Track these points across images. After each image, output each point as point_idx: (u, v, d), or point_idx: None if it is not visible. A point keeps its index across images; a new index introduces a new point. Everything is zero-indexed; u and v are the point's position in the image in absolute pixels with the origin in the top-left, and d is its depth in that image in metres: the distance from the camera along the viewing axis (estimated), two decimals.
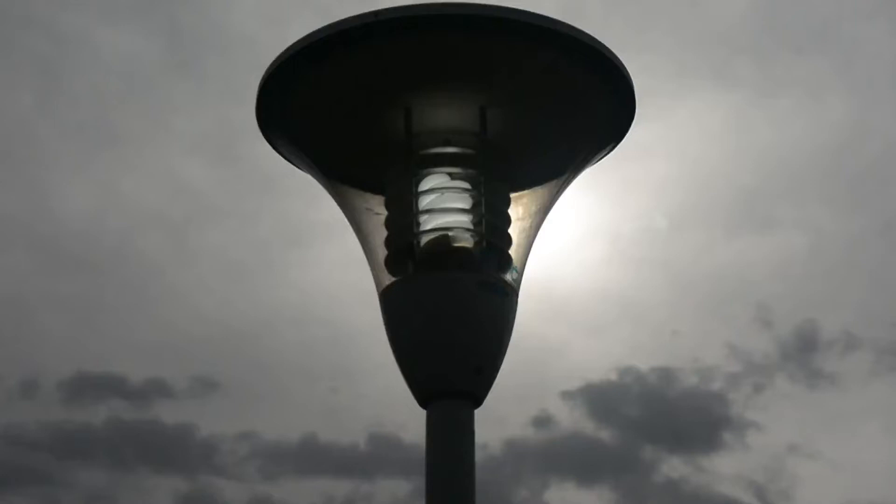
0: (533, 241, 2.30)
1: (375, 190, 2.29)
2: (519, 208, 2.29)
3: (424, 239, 2.19)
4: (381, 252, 2.24)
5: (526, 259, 2.27)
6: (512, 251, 2.23)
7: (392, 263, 2.22)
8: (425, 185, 2.21)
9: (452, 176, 2.22)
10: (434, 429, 2.16)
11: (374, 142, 2.24)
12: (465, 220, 2.20)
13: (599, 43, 2.18)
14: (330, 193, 2.34)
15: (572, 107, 2.24)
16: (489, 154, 2.21)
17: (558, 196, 2.34)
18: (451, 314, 2.17)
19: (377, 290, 2.24)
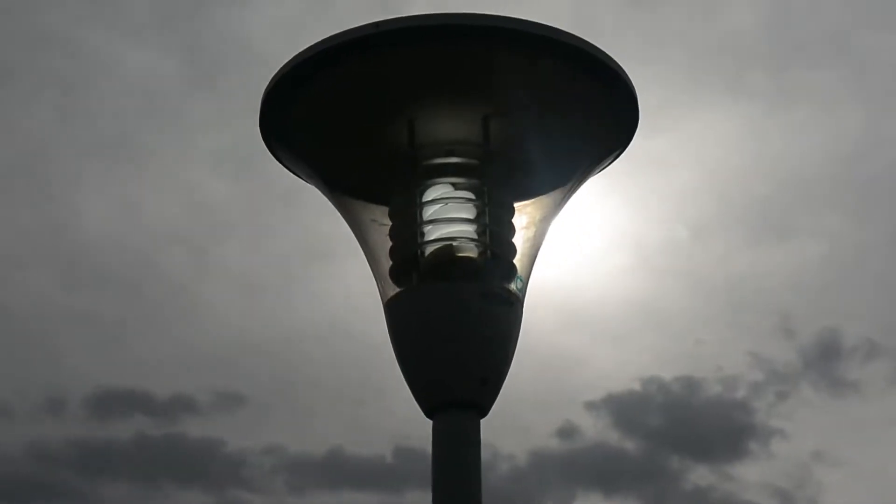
0: (538, 251, 2.29)
1: (380, 201, 2.29)
2: (524, 217, 2.28)
3: (428, 249, 2.19)
4: (386, 263, 2.24)
5: (531, 269, 2.27)
6: (517, 261, 2.23)
7: (396, 274, 2.22)
8: (429, 195, 2.21)
9: (456, 186, 2.22)
10: (439, 440, 2.16)
11: (377, 153, 2.25)
12: (469, 230, 2.19)
13: (601, 52, 2.18)
14: (334, 205, 2.35)
15: (575, 116, 2.23)
16: (493, 164, 2.21)
17: (563, 205, 2.33)
18: (455, 324, 2.16)
19: (382, 302, 2.24)
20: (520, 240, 2.25)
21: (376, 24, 2.08)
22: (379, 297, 2.27)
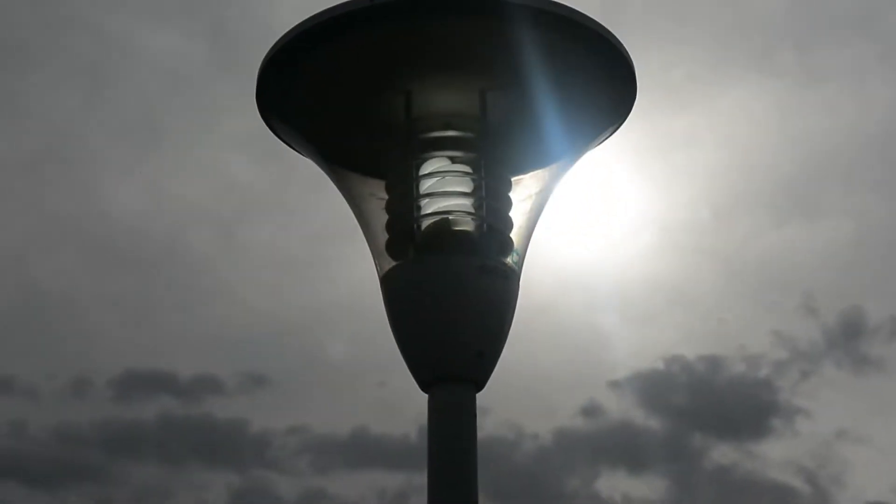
0: (535, 225, 2.28)
1: (377, 175, 2.29)
2: (521, 191, 2.28)
3: (425, 223, 2.18)
4: (382, 237, 2.23)
5: (528, 242, 2.26)
6: (513, 234, 2.22)
7: (393, 248, 2.21)
8: (426, 168, 2.20)
9: (453, 160, 2.21)
10: (436, 413, 2.15)
11: (374, 126, 2.24)
12: (465, 203, 2.19)
13: (599, 25, 2.16)
14: (331, 179, 2.34)
15: (573, 89, 2.22)
16: (490, 138, 2.21)
17: (561, 178, 2.32)
18: (451, 298, 2.16)
19: (378, 276, 2.24)
20: (517, 214, 2.24)
21: None
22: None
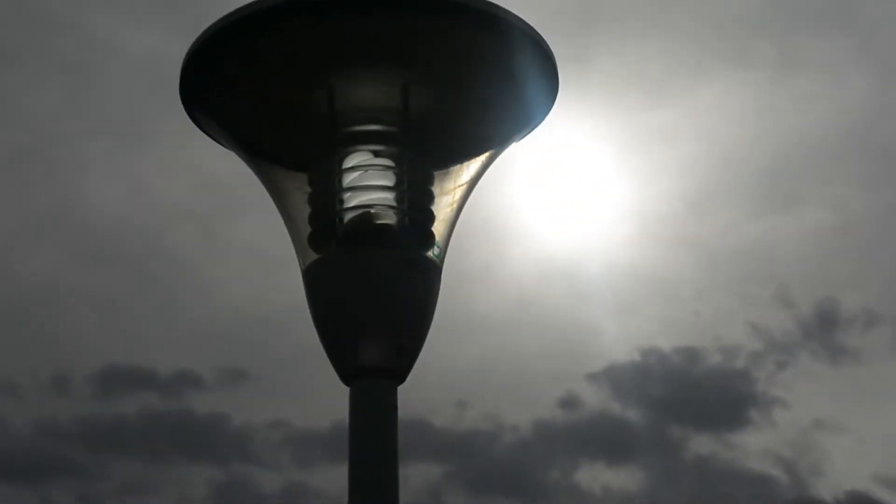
0: (457, 218, 2.29)
1: (300, 168, 2.29)
2: (444, 185, 2.28)
3: (347, 216, 2.18)
4: (305, 230, 2.23)
5: (450, 236, 2.27)
6: (435, 228, 2.23)
7: (314, 241, 2.21)
8: (348, 162, 2.20)
9: (376, 153, 2.21)
10: (357, 407, 2.16)
11: (298, 120, 2.24)
12: (388, 197, 2.19)
13: (522, 20, 2.17)
14: (254, 172, 2.34)
15: (496, 84, 2.23)
16: (412, 131, 2.21)
17: (484, 172, 2.33)
18: (372, 292, 2.16)
19: (300, 269, 2.24)
20: (439, 207, 2.25)
21: None
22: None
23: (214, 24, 2.16)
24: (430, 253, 2.21)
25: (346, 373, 2.17)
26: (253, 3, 2.14)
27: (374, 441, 2.15)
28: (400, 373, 2.17)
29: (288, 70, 2.20)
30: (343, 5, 2.11)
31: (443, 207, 2.26)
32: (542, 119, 2.32)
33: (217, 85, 2.23)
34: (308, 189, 2.25)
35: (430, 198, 2.23)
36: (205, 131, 2.33)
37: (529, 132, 2.35)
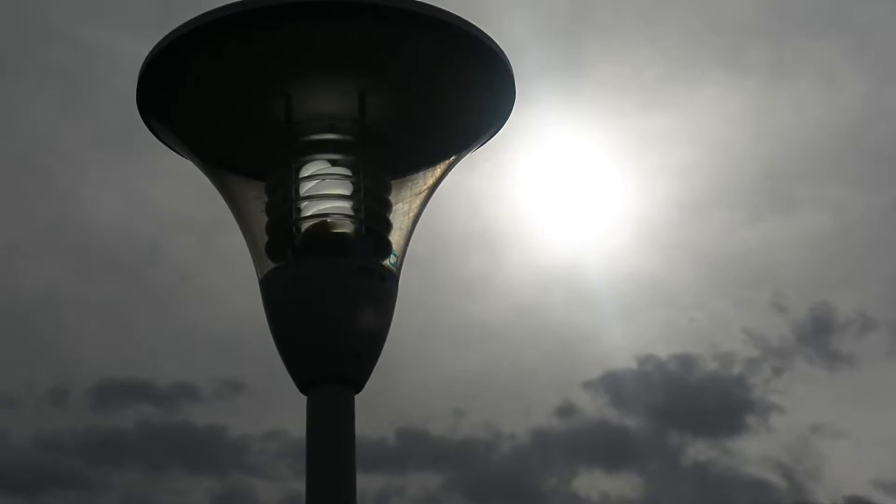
0: (414, 226, 2.30)
1: (257, 177, 2.29)
2: (401, 193, 2.29)
3: (304, 225, 2.19)
4: (263, 239, 2.24)
5: (407, 244, 2.28)
6: (393, 237, 2.23)
7: (272, 250, 2.22)
8: (306, 171, 2.21)
9: (333, 162, 2.22)
10: (314, 414, 2.16)
11: (255, 129, 2.25)
12: (345, 206, 2.20)
13: (479, 30, 2.18)
14: (211, 181, 2.34)
15: (453, 93, 2.24)
16: (369, 140, 2.22)
17: (441, 181, 2.34)
18: (329, 300, 2.17)
19: (258, 278, 2.24)
20: (396, 216, 2.26)
21: (243, 3, 2.08)
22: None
23: (170, 34, 2.16)
24: (386, 261, 2.22)
25: (303, 381, 2.18)
26: (210, 12, 2.14)
27: (331, 448, 2.15)
28: (357, 380, 2.18)
29: (245, 80, 2.20)
30: (298, 15, 2.11)
31: (400, 216, 2.27)
32: (500, 128, 2.33)
33: (174, 94, 2.23)
34: (265, 198, 2.25)
35: (387, 207, 2.24)
36: (161, 140, 2.33)
37: (486, 141, 2.36)
